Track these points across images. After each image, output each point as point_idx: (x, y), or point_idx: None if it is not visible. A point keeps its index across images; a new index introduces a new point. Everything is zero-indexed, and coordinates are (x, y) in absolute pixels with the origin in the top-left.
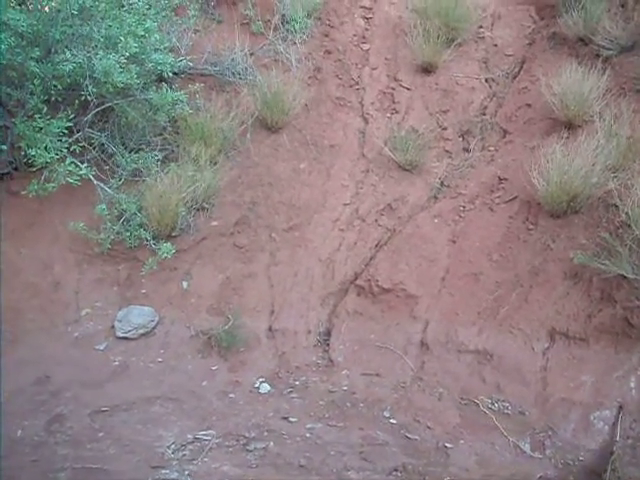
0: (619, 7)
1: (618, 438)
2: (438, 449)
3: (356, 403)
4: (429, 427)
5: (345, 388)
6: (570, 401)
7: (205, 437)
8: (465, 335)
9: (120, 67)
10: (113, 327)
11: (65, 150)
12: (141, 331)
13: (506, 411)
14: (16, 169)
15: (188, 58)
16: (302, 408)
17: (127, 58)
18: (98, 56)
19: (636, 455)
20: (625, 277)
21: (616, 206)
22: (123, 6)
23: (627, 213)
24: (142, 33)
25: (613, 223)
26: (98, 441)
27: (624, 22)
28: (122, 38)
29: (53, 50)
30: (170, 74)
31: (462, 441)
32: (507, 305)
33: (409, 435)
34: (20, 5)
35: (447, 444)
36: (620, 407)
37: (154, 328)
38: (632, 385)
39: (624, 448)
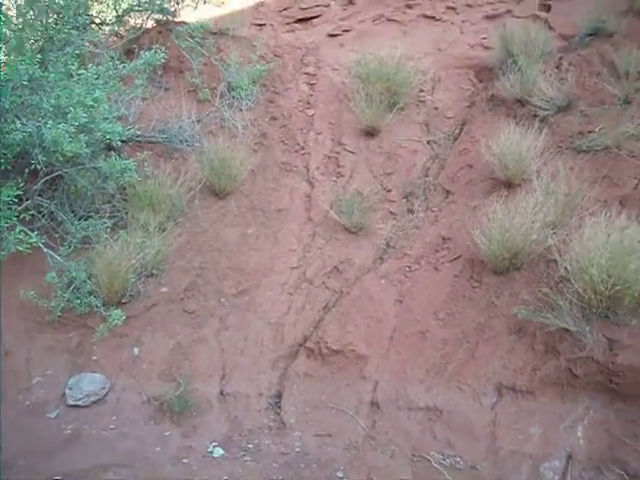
0: (554, 68)
1: None
2: None
3: (309, 464)
4: None
5: (298, 450)
6: (520, 453)
7: None
8: (415, 393)
9: (69, 136)
10: (64, 395)
11: (15, 218)
12: (93, 398)
13: (458, 466)
14: None
15: (136, 127)
16: (256, 471)
17: (76, 127)
18: (48, 125)
19: None
20: (567, 330)
21: (556, 261)
22: (72, 76)
23: (566, 268)
24: (91, 103)
25: (553, 278)
26: None
27: (559, 83)
28: (72, 108)
29: (3, 119)
30: (119, 143)
31: None
32: (455, 362)
33: None
34: None
35: None
36: (569, 456)
37: (106, 395)
38: (579, 434)
39: None
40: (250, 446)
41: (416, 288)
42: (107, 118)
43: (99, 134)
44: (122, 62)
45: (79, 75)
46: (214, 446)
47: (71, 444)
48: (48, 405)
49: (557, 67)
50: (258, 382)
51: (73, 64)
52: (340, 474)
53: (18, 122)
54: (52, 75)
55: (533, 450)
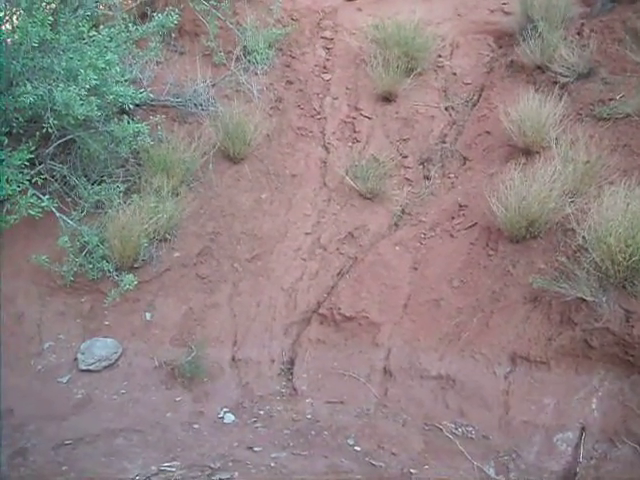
0: (575, 35)
1: (581, 459)
2: (403, 475)
3: (320, 431)
4: (394, 453)
5: (309, 416)
6: (533, 424)
7: (170, 468)
8: (428, 361)
9: (80, 99)
10: (76, 360)
11: (27, 182)
12: (104, 363)
13: (470, 435)
14: None
15: (150, 90)
16: (267, 437)
17: (87, 90)
18: (59, 88)
19: (599, 476)
20: (584, 300)
21: (573, 230)
22: (84, 39)
23: (584, 237)
24: (103, 65)
25: (571, 247)
26: (62, 475)
27: (580, 49)
28: (82, 71)
29: (14, 83)
30: (131, 106)
31: (427, 467)
32: (468, 330)
33: (374, 462)
34: None
35: (412, 470)
36: (582, 428)
37: (117, 360)
38: (594, 406)
39: (587, 469)
40: (261, 412)
41: (431, 255)
42: (119, 81)
43: (111, 97)
44: (135, 25)
45: (91, 37)
46: (225, 412)
47: (82, 409)
48: (60, 370)
49: (578, 33)
50: (270, 348)
51: (84, 26)
52: (351, 441)
53: (29, 85)
54: (64, 37)
55: (546, 421)
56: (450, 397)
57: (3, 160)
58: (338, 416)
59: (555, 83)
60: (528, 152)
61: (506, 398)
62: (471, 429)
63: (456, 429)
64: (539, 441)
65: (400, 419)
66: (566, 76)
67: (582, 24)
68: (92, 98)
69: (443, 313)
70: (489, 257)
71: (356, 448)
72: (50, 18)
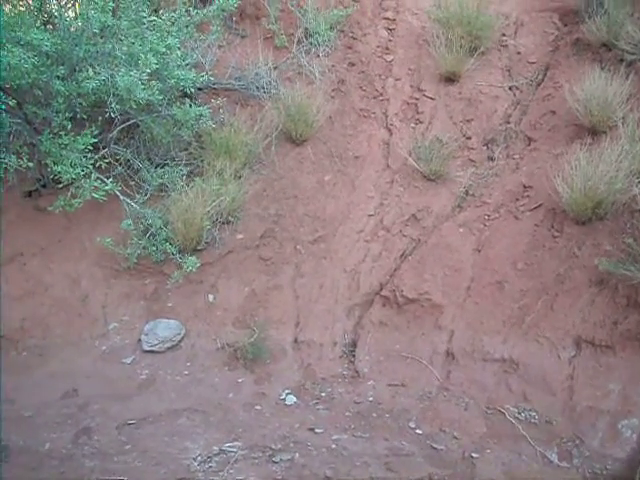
0: None
1: None
2: (464, 459)
3: (382, 414)
4: (455, 437)
5: (371, 399)
6: (597, 410)
7: (231, 449)
8: (491, 344)
9: (142, 84)
10: (140, 341)
11: (91, 166)
12: (167, 344)
13: (533, 420)
14: (44, 186)
15: (211, 73)
16: (328, 419)
17: (149, 75)
18: (120, 73)
19: None
20: None
21: None
22: (144, 24)
23: None
24: (164, 50)
25: (638, 229)
26: (125, 453)
27: None
28: (143, 55)
29: (77, 68)
30: (193, 90)
31: (488, 451)
32: (533, 313)
33: (435, 445)
34: (44, 25)
35: (473, 454)
36: None
37: (180, 341)
38: None
39: None
40: (323, 394)
41: (495, 237)
42: (181, 65)
43: (172, 81)
44: (196, 9)
45: (151, 22)
46: (287, 393)
47: (145, 389)
48: (124, 351)
49: None
50: (332, 330)
51: (144, 11)
52: (412, 424)
53: (92, 70)
54: (124, 23)
55: (611, 407)
56: (513, 381)
57: (67, 144)
58: (400, 399)
59: (621, 61)
60: (594, 132)
61: (570, 383)
62: (534, 414)
63: (519, 413)
64: (603, 427)
65: (462, 402)
66: (633, 54)
67: None
68: (153, 82)
69: (507, 296)
70: (554, 239)
71: (417, 431)
72: (111, 4)
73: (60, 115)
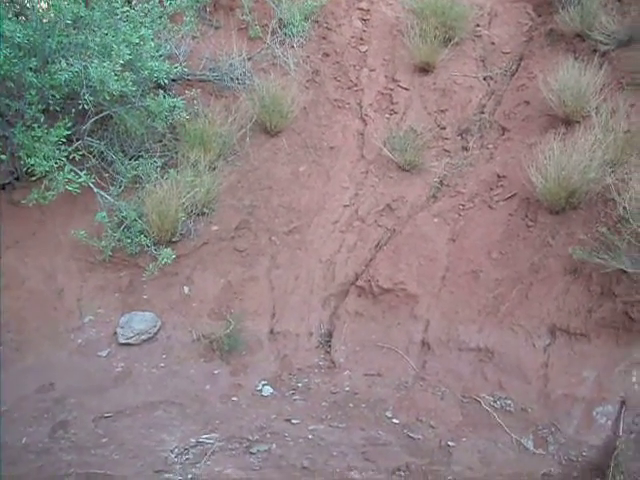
0: (615, 2)
1: (621, 433)
2: (441, 448)
3: (358, 404)
4: (432, 426)
5: (347, 389)
6: (572, 397)
7: (208, 440)
8: (466, 333)
9: (115, 75)
10: (115, 333)
11: (64, 159)
12: (143, 337)
13: (508, 408)
14: (17, 179)
15: (185, 65)
16: (304, 410)
17: (122, 66)
18: (93, 65)
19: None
20: (624, 271)
21: (614, 201)
22: (117, 15)
23: (625, 207)
24: (137, 41)
25: (611, 218)
26: (102, 446)
27: (621, 17)
28: (116, 46)
29: (50, 60)
30: (167, 81)
31: (465, 439)
32: (507, 302)
33: (412, 434)
34: (17, 17)
35: (450, 443)
36: (623, 402)
37: (156, 333)
38: (634, 379)
39: (627, 443)
40: (299, 385)
41: (469, 227)
42: (154, 56)
43: (146, 72)
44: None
45: (124, 13)
46: (263, 384)
47: (122, 382)
48: (99, 344)
49: (619, 0)
50: (308, 321)
51: (117, 2)
52: (389, 414)
53: (64, 62)
54: (97, 14)
55: (586, 394)
56: (489, 370)
57: (40, 137)
58: (376, 388)
59: (595, 51)
60: (568, 122)
61: (545, 371)
62: (510, 402)
63: (495, 402)
64: (578, 414)
65: (438, 392)
66: (606, 44)
67: None
68: (127, 74)
69: (482, 285)
70: (528, 228)
71: (394, 420)
72: None
73: (33, 107)
